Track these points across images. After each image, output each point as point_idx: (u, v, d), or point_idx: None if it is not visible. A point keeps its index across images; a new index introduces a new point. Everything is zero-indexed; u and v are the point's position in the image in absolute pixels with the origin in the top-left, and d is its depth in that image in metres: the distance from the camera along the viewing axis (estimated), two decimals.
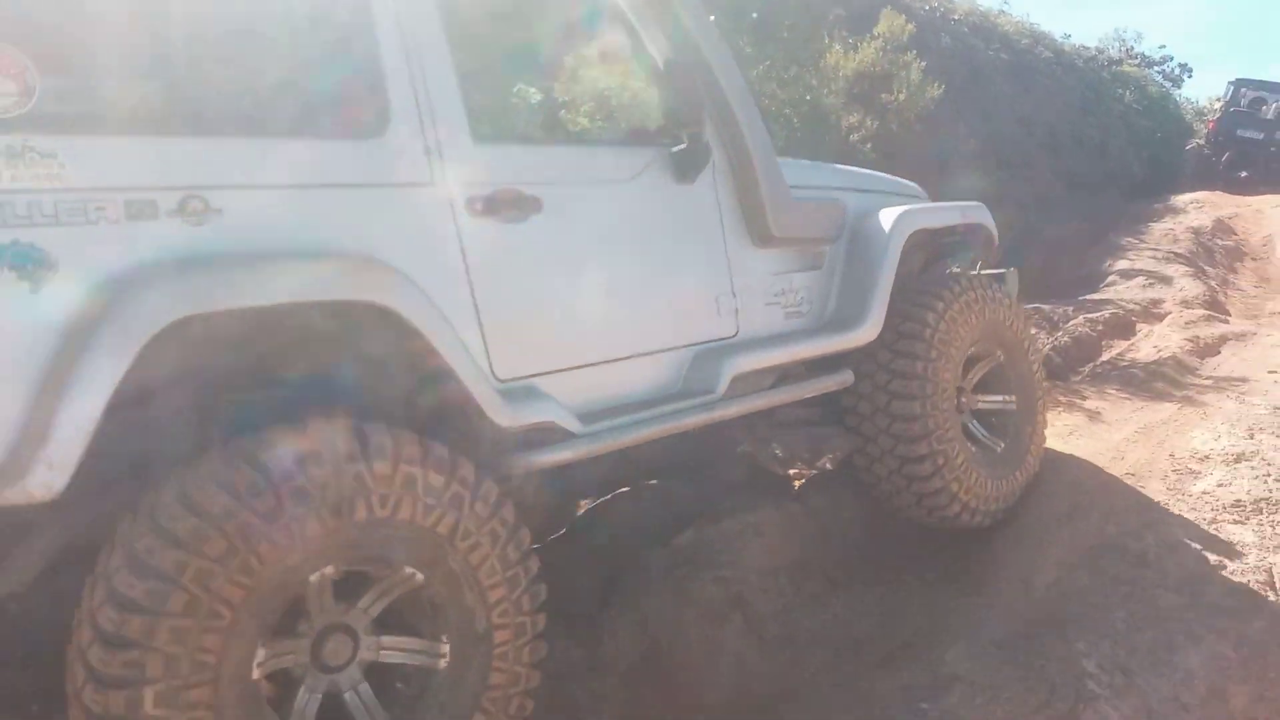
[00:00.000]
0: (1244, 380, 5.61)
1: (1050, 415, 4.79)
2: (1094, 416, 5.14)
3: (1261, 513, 3.98)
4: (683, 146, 3.15)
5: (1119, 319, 7.03)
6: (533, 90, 3.79)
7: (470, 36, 2.80)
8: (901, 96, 8.63)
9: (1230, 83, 18.42)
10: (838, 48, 8.33)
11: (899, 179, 4.55)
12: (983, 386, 4.14)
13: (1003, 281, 4.29)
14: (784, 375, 3.57)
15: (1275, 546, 3.76)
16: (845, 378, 3.67)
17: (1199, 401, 5.29)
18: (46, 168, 2.02)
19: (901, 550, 4.09)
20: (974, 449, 3.96)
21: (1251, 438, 4.59)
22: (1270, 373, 5.61)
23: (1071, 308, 6.96)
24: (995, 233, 4.32)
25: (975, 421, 4.09)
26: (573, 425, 2.76)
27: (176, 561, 1.99)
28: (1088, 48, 18.17)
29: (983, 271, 4.29)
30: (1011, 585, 3.66)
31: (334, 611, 2.28)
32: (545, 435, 2.72)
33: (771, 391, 3.47)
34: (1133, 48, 21.44)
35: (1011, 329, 4.18)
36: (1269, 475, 4.20)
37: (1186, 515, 3.98)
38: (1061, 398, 5.34)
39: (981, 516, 3.93)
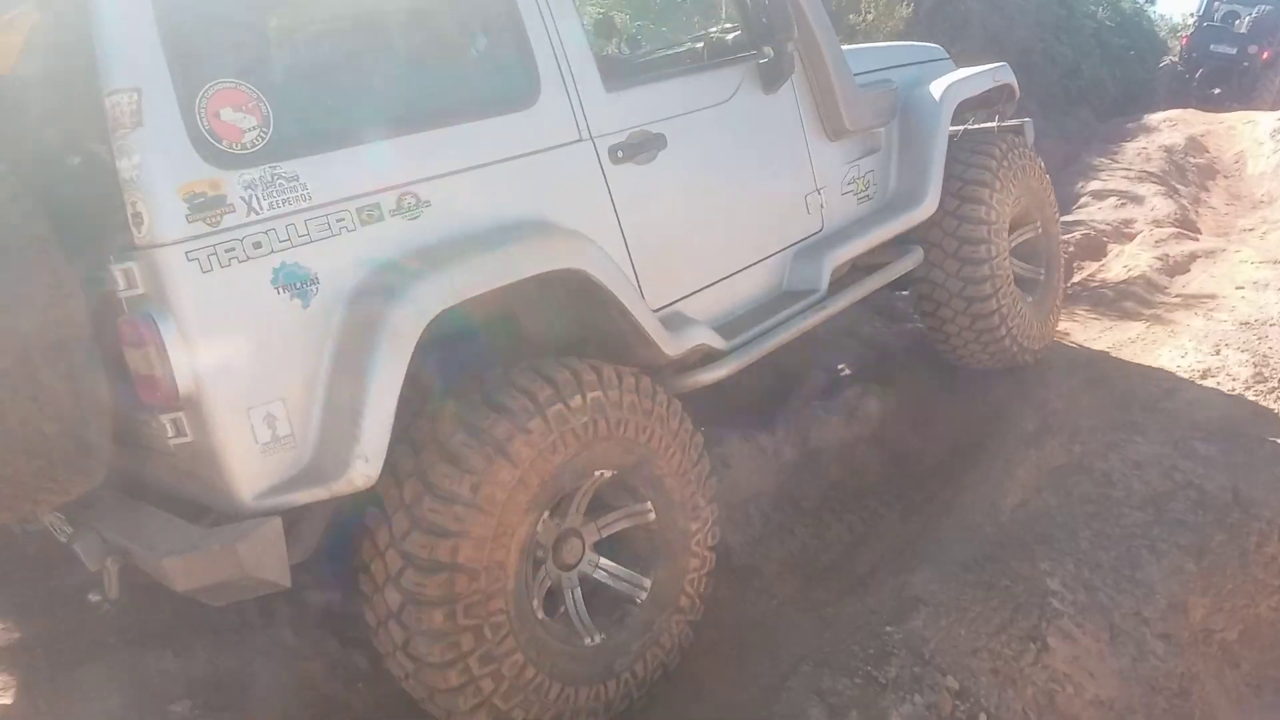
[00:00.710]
0: (1212, 297, 5.60)
1: None
2: (1062, 338, 5.12)
3: (1226, 429, 4.00)
4: (769, 59, 3.31)
5: (1090, 240, 6.99)
6: (632, 25, 3.94)
7: None
8: (870, 17, 8.45)
9: None
10: None
11: (923, 44, 4.69)
12: (1018, 254, 4.38)
13: (1022, 132, 4.46)
14: (855, 261, 3.74)
15: (1238, 462, 3.79)
16: (918, 255, 3.93)
17: (1167, 320, 5.28)
18: (293, 190, 2.18)
19: (870, 478, 4.10)
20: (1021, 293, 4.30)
21: (1218, 354, 4.60)
22: (1238, 288, 5.60)
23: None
24: (1017, 87, 4.53)
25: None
26: (719, 344, 3.02)
27: (507, 431, 2.30)
28: None
29: (1001, 123, 4.44)
30: (978, 509, 3.67)
31: (579, 518, 2.62)
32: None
33: (868, 280, 3.71)
34: None
35: (1044, 192, 4.50)
36: (1234, 391, 4.21)
37: (1153, 433, 3.99)
38: None
39: (1029, 355, 4.35)
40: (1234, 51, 16.34)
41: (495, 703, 2.36)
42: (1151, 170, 8.79)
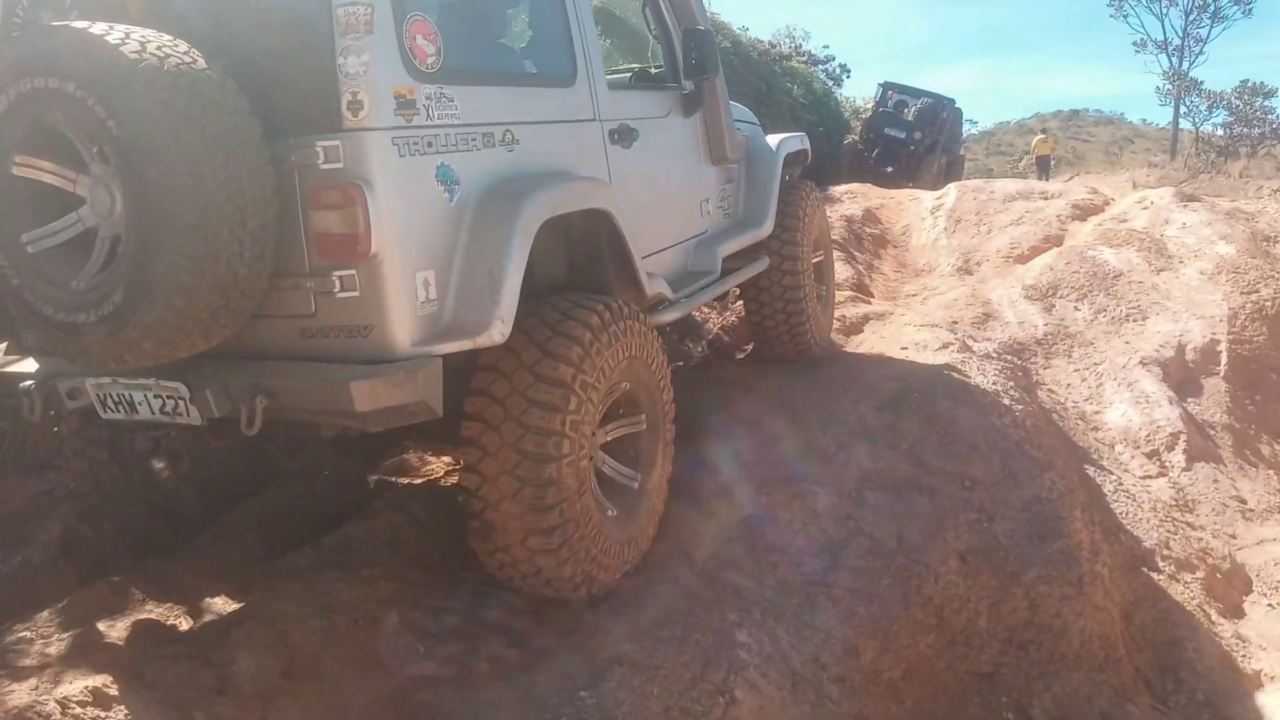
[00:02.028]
0: (881, 356, 6.14)
1: (712, 391, 5.01)
2: (748, 389, 5.39)
3: (891, 479, 4.36)
4: (690, 90, 4.39)
5: None
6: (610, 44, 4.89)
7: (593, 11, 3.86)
8: None
9: (879, 85, 20.46)
10: None
11: (744, 108, 5.77)
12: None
13: (810, 186, 5.71)
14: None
15: (901, 510, 4.13)
16: (765, 262, 5.03)
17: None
18: (451, 109, 2.84)
19: None
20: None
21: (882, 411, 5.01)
22: (902, 349, 6.18)
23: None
24: (810, 152, 5.89)
25: None
26: (671, 294, 3.90)
27: (585, 341, 3.03)
28: (761, 41, 19.36)
29: (790, 179, 5.58)
30: (673, 561, 3.73)
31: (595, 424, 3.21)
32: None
33: (738, 273, 4.77)
34: (801, 45, 23.18)
35: (827, 233, 6.05)
36: (898, 445, 4.61)
37: (830, 484, 4.26)
38: (724, 375, 5.57)
39: (820, 348, 5.55)
40: (903, 135, 18.50)
41: (575, 545, 3.08)
42: (834, 238, 9.60)
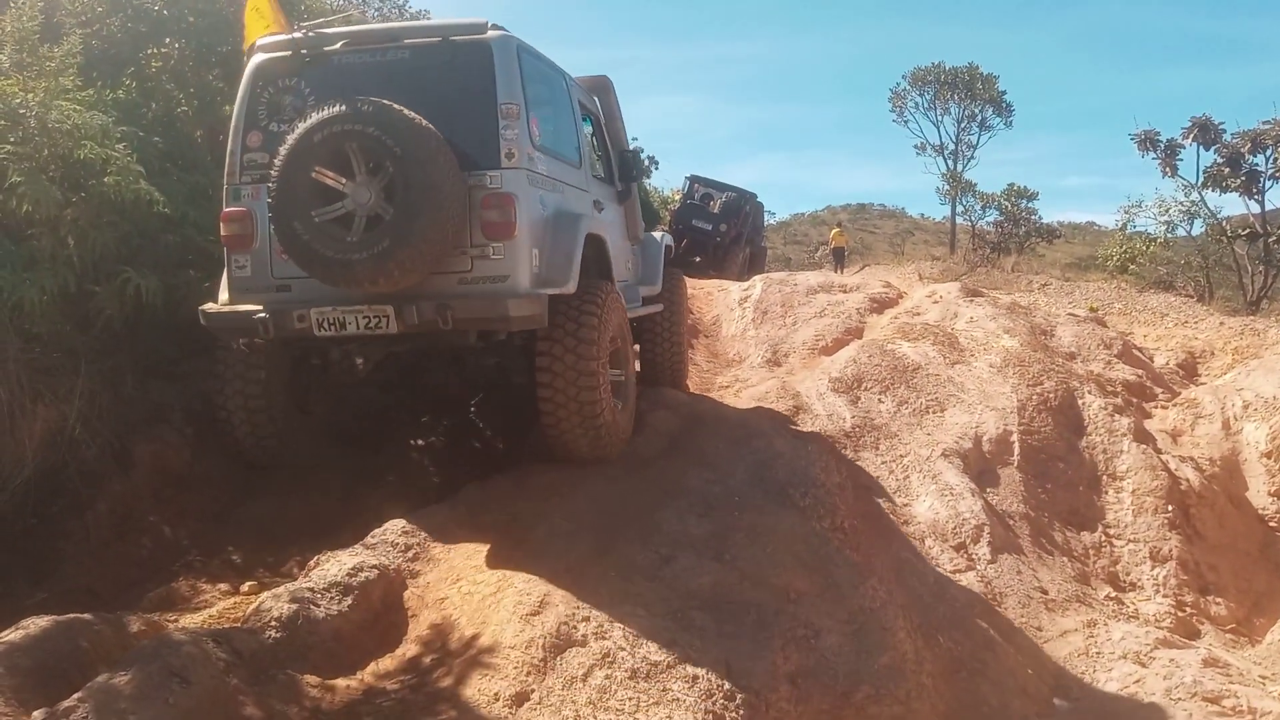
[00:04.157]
0: (701, 454, 5.98)
1: (529, 500, 4.68)
2: (564, 495, 5.09)
3: (716, 596, 4.12)
4: (622, 189, 6.88)
5: None
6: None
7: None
8: None
9: (686, 178, 21.10)
10: None
11: None
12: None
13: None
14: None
15: (729, 631, 3.89)
16: (660, 306, 7.36)
17: None
18: (542, 166, 5.05)
19: None
20: None
21: (705, 518, 4.82)
22: (720, 447, 6.06)
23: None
24: (673, 248, 8.42)
25: None
26: (632, 301, 6.45)
27: (599, 308, 5.18)
28: None
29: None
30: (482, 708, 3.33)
31: None
32: None
33: (655, 304, 7.22)
34: None
35: (687, 300, 9.03)
36: (722, 556, 4.39)
37: (655, 605, 3.98)
38: (541, 482, 5.24)
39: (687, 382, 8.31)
40: (710, 228, 19.04)
41: (609, 419, 5.18)
42: None
